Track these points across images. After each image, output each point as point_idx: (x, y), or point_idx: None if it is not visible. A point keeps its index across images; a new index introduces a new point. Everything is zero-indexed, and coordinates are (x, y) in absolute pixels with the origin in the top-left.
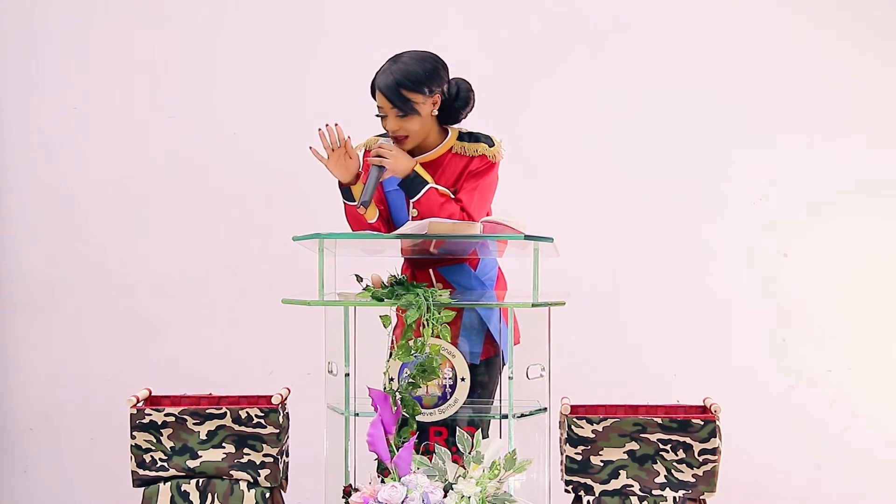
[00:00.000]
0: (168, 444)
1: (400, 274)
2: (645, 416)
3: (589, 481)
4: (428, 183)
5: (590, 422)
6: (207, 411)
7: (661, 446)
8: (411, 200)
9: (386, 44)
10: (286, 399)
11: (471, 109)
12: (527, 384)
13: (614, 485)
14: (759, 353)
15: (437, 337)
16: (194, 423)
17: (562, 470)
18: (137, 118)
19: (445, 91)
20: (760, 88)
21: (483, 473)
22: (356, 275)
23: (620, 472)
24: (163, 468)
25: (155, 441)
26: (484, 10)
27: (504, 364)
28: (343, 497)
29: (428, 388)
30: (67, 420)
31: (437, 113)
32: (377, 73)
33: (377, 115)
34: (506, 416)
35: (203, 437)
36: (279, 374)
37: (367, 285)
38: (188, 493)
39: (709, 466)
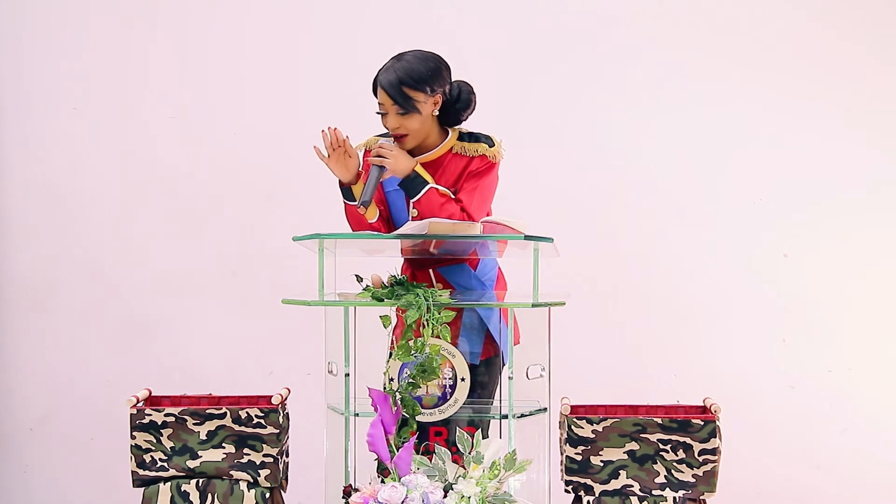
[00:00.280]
0: (168, 444)
1: (400, 274)
2: (645, 416)
3: (589, 481)
4: (428, 183)
5: (590, 422)
6: (207, 411)
7: (661, 446)
8: (411, 200)
9: (385, 44)
10: (286, 399)
11: (471, 111)
12: (527, 384)
13: (614, 485)
14: (759, 353)
15: (437, 337)
16: (194, 424)
17: (562, 470)
18: (137, 119)
19: (447, 92)
20: (760, 88)
21: (483, 473)
22: (356, 275)
23: (620, 472)
24: (163, 468)
25: (155, 441)
26: (484, 10)
27: (504, 364)
28: (343, 497)
29: (428, 389)
30: (67, 420)
31: (437, 113)
32: (380, 71)
33: (378, 113)
34: (506, 416)
35: (203, 437)
36: (279, 374)
37: (367, 285)
38: (188, 494)
39: (709, 466)
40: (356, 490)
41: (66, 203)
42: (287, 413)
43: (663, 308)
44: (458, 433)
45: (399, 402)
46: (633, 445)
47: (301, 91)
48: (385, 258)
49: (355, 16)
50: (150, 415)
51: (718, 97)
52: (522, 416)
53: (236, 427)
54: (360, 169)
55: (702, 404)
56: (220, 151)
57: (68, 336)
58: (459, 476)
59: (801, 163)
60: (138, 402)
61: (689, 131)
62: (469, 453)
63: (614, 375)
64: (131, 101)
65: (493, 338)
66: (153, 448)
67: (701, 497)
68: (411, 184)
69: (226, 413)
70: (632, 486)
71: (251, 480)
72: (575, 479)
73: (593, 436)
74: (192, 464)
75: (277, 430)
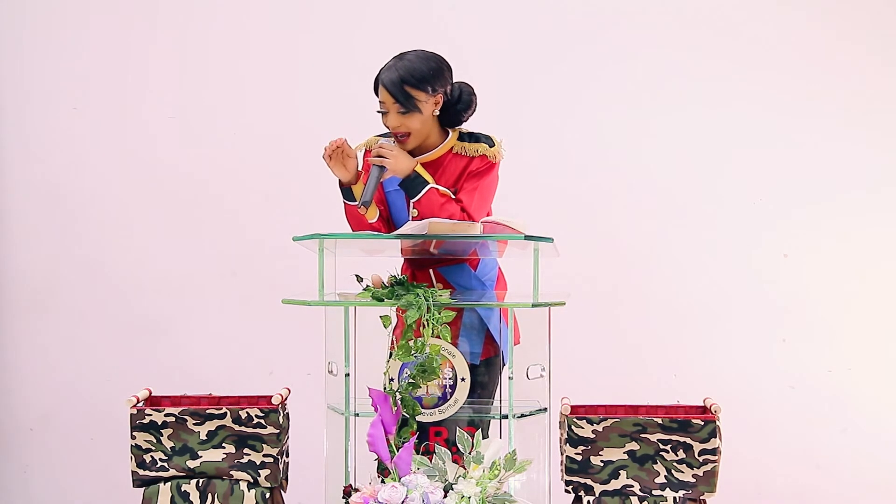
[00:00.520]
0: (168, 444)
1: (400, 274)
2: (645, 416)
3: (589, 481)
4: (429, 183)
5: (590, 422)
6: (207, 411)
7: (662, 446)
8: (412, 200)
9: (385, 44)
10: (286, 399)
11: (472, 113)
12: (527, 384)
13: (614, 485)
14: (759, 353)
15: (437, 337)
16: (194, 424)
17: (562, 470)
18: (137, 119)
19: (448, 92)
20: (760, 88)
21: (483, 473)
22: (356, 275)
23: (620, 472)
24: (163, 468)
25: (155, 441)
26: (484, 10)
27: (504, 364)
28: (343, 497)
29: (428, 389)
30: (67, 420)
31: (438, 113)
32: (381, 69)
33: (378, 112)
34: (506, 417)
35: (203, 437)
36: (279, 374)
37: (367, 285)
38: (188, 494)
39: (709, 467)
40: (356, 490)
41: (66, 203)
42: (287, 413)
43: (663, 308)
44: (458, 433)
45: (399, 402)
46: (634, 445)
47: (301, 91)
48: (385, 258)
49: (355, 16)
50: (151, 415)
51: (718, 97)
52: (522, 416)
53: (236, 427)
54: (359, 169)
55: (702, 404)
56: (220, 151)
57: (68, 336)
58: (459, 476)
59: (801, 163)
60: (138, 402)
61: (689, 131)
62: (469, 453)
63: (614, 375)
64: (131, 101)
65: (493, 338)
66: (153, 448)
67: (701, 497)
68: (412, 184)
69: (226, 413)
70: (632, 486)
71: (251, 480)
72: (575, 479)
73: (593, 436)
74: (192, 464)
75: (277, 430)
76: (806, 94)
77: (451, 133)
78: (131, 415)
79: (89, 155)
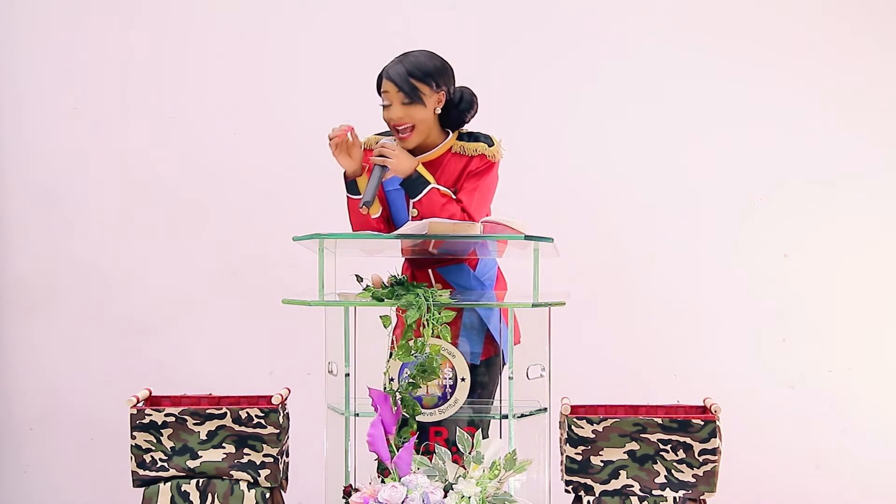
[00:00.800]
0: (168, 444)
1: (400, 274)
2: (645, 416)
3: (589, 481)
4: (430, 183)
5: (590, 422)
6: (207, 411)
7: (662, 446)
8: (412, 200)
9: (385, 44)
10: (286, 399)
11: (474, 114)
12: (527, 384)
13: (614, 485)
14: (759, 353)
15: (437, 337)
16: (194, 424)
17: (562, 470)
18: (137, 119)
19: (450, 92)
20: (761, 88)
21: (483, 473)
22: (356, 275)
23: (620, 472)
24: (163, 468)
25: (155, 441)
26: (483, 10)
27: (504, 364)
28: (343, 497)
29: (428, 389)
30: (67, 420)
31: (440, 112)
32: (385, 66)
33: (382, 105)
34: (506, 416)
35: (203, 437)
36: (279, 374)
37: (367, 285)
38: (188, 494)
39: (709, 466)
40: (356, 490)
41: (65, 203)
42: (287, 413)
43: (663, 308)
44: (458, 433)
45: (399, 402)
46: (634, 445)
47: (301, 91)
48: (385, 258)
49: (355, 16)
50: (150, 415)
51: (719, 97)
52: (522, 416)
53: (236, 427)
54: (363, 160)
55: (702, 404)
56: (221, 151)
57: (68, 336)
58: (459, 476)
59: (801, 163)
60: (138, 402)
61: (689, 131)
62: (469, 453)
63: (614, 375)
64: (131, 101)
65: (493, 338)
66: (153, 448)
67: (701, 497)
68: (413, 184)
69: (226, 413)
70: (632, 486)
71: (251, 480)
72: (575, 479)
73: (593, 436)
74: (192, 464)
75: (277, 430)
76: (806, 94)
77: (450, 133)
78: (131, 415)
79: (88, 155)
